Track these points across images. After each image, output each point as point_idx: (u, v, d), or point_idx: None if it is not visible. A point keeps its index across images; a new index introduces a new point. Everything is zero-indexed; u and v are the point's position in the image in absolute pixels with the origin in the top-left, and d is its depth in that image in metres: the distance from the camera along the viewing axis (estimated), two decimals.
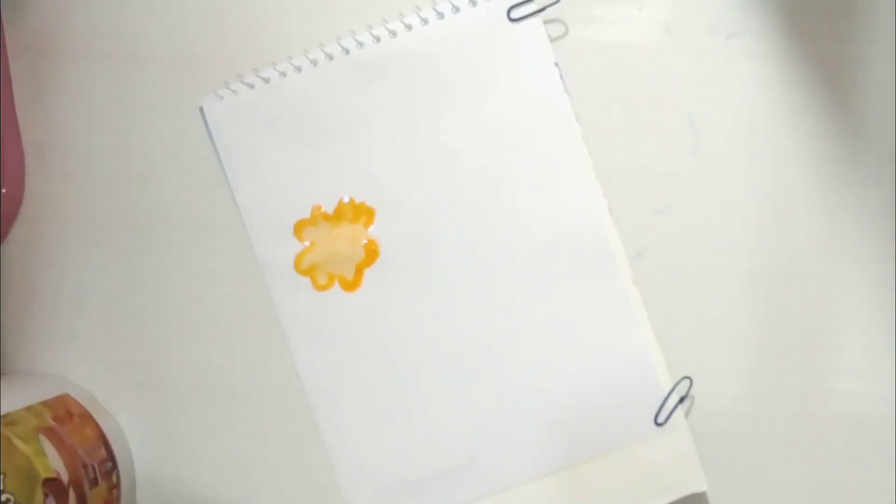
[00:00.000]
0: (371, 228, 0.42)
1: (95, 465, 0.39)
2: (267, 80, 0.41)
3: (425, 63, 0.41)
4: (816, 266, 0.41)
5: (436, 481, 0.41)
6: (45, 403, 0.39)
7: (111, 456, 0.41)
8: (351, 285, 0.41)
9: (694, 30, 0.42)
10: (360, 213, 0.42)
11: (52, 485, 0.36)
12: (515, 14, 0.41)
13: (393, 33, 0.41)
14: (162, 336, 0.43)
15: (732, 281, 0.41)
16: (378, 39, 0.41)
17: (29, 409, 0.38)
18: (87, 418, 0.40)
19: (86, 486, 0.38)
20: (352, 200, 0.42)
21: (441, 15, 0.41)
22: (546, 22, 0.41)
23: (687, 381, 0.40)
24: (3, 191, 0.42)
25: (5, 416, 0.36)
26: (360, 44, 0.41)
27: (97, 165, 0.43)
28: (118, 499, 0.41)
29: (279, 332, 0.42)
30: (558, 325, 0.41)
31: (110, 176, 0.43)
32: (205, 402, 0.42)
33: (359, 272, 0.41)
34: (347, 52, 0.41)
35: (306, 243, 0.42)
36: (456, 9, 0.41)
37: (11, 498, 0.34)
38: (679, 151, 0.42)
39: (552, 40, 0.41)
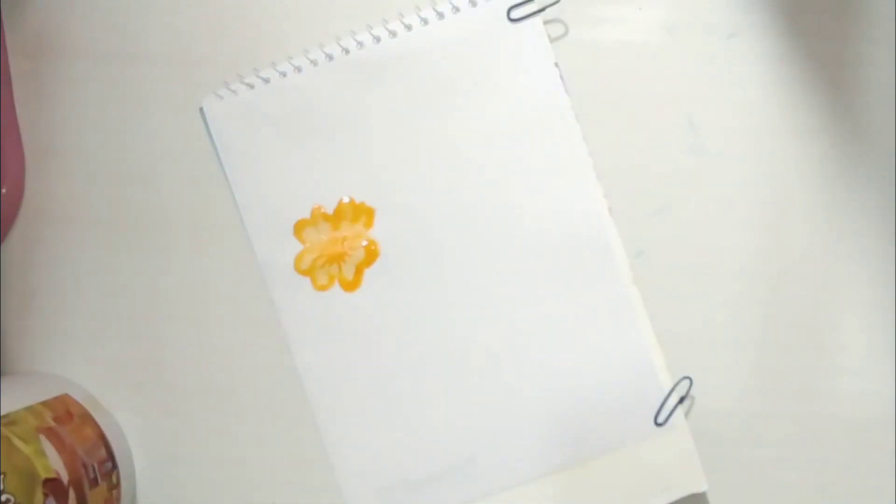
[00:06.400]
0: (371, 228, 0.42)
1: (95, 465, 0.39)
2: (267, 80, 0.41)
3: (425, 63, 0.41)
4: (816, 266, 0.41)
5: (436, 481, 0.41)
6: (45, 403, 0.39)
7: (111, 456, 0.41)
8: (351, 285, 0.41)
9: (694, 30, 0.42)
10: (360, 213, 0.42)
11: (52, 485, 0.36)
12: (515, 14, 0.41)
13: (393, 33, 0.41)
14: (162, 336, 0.43)
15: (733, 281, 0.41)
16: (378, 39, 0.41)
17: (29, 409, 0.38)
18: (87, 418, 0.40)
19: (86, 486, 0.38)
20: (352, 200, 0.42)
21: (441, 15, 0.41)
22: (546, 22, 0.41)
23: (687, 381, 0.40)
24: (3, 191, 0.42)
25: (5, 416, 0.36)
26: (360, 44, 0.41)
27: (97, 165, 0.43)
28: (118, 499, 0.41)
29: (279, 332, 0.42)
30: (558, 324, 0.41)
31: (110, 176, 0.43)
32: (205, 402, 0.42)
33: (359, 272, 0.41)
34: (347, 52, 0.41)
35: (306, 243, 0.42)
36: (456, 9, 0.41)
37: (11, 498, 0.34)
38: (679, 151, 0.42)
39: (552, 40, 0.41)
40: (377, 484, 0.41)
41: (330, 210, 0.42)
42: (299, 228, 0.42)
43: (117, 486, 0.41)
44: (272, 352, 0.42)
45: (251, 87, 0.41)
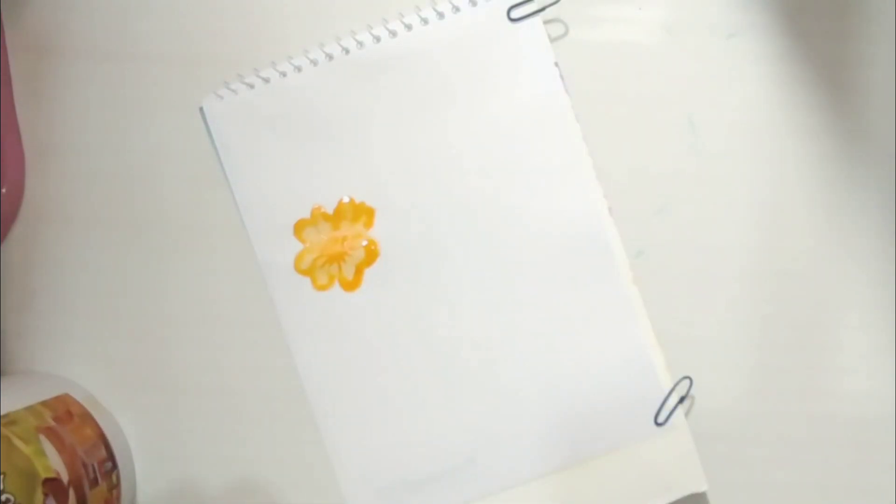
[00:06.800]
0: (371, 228, 0.42)
1: (95, 465, 0.39)
2: (267, 80, 0.41)
3: (425, 63, 0.41)
4: (816, 266, 0.41)
5: (436, 481, 0.41)
6: (45, 403, 0.39)
7: (111, 456, 0.41)
8: (351, 285, 0.41)
9: (694, 30, 0.42)
10: (360, 213, 0.42)
11: (52, 485, 0.36)
12: (515, 14, 0.41)
13: (393, 33, 0.41)
14: (162, 336, 0.43)
15: (732, 281, 0.41)
16: (378, 39, 0.41)
17: (29, 409, 0.38)
18: (87, 418, 0.40)
19: (86, 486, 0.38)
20: (352, 200, 0.42)
21: (441, 15, 0.41)
22: (546, 22, 0.41)
23: (687, 381, 0.40)
24: (3, 191, 0.42)
25: (5, 416, 0.36)
26: (360, 44, 0.41)
27: (97, 165, 0.43)
28: (118, 499, 0.41)
29: (279, 332, 0.42)
30: (558, 325, 0.41)
31: (110, 176, 0.43)
32: (205, 402, 0.42)
33: (359, 272, 0.41)
34: (347, 52, 0.41)
35: (306, 243, 0.42)
36: (456, 9, 0.41)
37: (11, 498, 0.34)
38: (679, 151, 0.42)
39: (552, 40, 0.41)
40: (377, 484, 0.41)
41: (330, 210, 0.42)
42: (299, 228, 0.42)
43: (117, 486, 0.41)
44: (272, 352, 0.42)
45: (251, 87, 0.41)
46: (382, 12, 0.41)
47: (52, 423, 0.38)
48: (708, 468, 0.40)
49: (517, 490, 0.40)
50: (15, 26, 0.43)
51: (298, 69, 0.41)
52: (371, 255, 0.41)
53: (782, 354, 0.41)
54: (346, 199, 0.42)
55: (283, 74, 0.41)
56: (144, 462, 0.42)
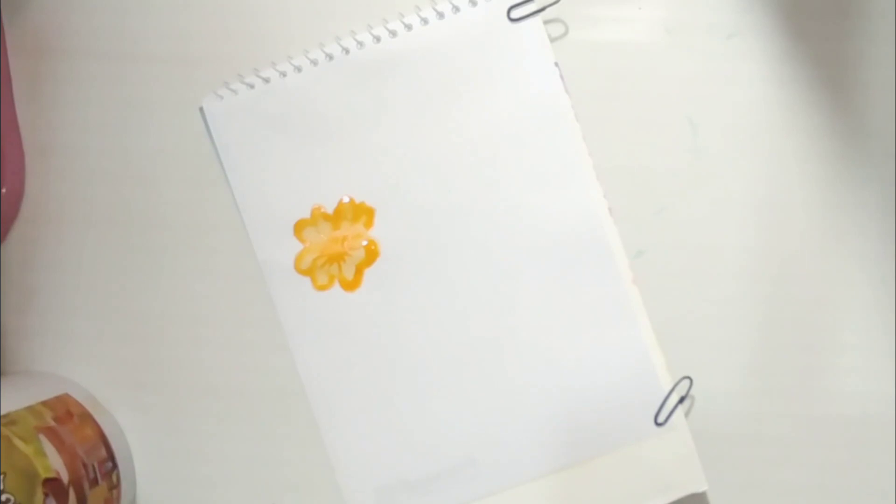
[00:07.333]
0: (371, 228, 0.42)
1: (95, 465, 0.39)
2: (267, 80, 0.41)
3: (425, 63, 0.41)
4: (816, 266, 0.41)
5: (436, 481, 0.41)
6: (45, 403, 0.39)
7: (111, 456, 0.41)
8: (351, 285, 0.41)
9: (694, 30, 0.42)
10: (360, 213, 0.42)
11: (52, 485, 0.36)
12: (515, 14, 0.41)
13: (393, 33, 0.41)
14: (162, 336, 0.43)
15: (733, 281, 0.41)
16: (378, 39, 0.41)
17: (29, 409, 0.38)
18: (87, 418, 0.41)
19: (86, 486, 0.38)
20: (352, 200, 0.42)
21: (441, 15, 0.41)
22: (546, 22, 0.41)
23: (687, 381, 0.40)
24: (3, 191, 0.42)
25: (5, 416, 0.36)
26: (360, 44, 0.41)
27: (97, 165, 0.43)
28: (118, 499, 0.41)
29: (279, 332, 0.42)
30: (558, 324, 0.41)
31: (110, 176, 0.43)
32: (205, 402, 0.42)
33: (359, 272, 0.41)
34: (347, 52, 0.41)
35: (306, 243, 0.42)
36: (456, 9, 0.41)
37: (11, 498, 0.34)
38: (679, 151, 0.42)
39: (552, 40, 0.41)
40: (377, 484, 0.41)
41: (330, 210, 0.42)
42: (299, 228, 0.42)
43: (117, 485, 0.41)
44: (272, 352, 0.42)
45: (251, 87, 0.42)
46: (382, 12, 0.41)
47: (52, 423, 0.38)
48: (708, 468, 0.40)
49: (517, 490, 0.40)
50: (15, 26, 0.43)
51: (298, 69, 0.41)
52: (371, 255, 0.41)
53: (782, 354, 0.41)
54: (346, 199, 0.42)
55: (283, 74, 0.41)
56: (144, 462, 0.42)
